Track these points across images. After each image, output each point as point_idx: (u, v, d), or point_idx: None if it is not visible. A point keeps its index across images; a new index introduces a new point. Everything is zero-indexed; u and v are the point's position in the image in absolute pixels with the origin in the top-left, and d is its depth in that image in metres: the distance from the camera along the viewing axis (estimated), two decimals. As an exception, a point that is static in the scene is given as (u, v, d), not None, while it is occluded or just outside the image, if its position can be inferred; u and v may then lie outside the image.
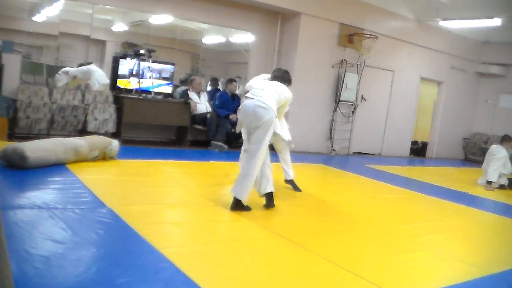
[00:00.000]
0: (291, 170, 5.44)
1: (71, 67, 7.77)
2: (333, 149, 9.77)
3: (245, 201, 4.14)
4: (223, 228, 3.83)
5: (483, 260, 3.73)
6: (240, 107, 4.43)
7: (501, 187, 7.62)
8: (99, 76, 7.93)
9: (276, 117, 4.28)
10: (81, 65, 7.87)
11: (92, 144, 5.42)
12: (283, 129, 5.17)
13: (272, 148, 5.00)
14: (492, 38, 11.69)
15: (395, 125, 11.01)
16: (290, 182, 5.45)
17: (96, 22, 7.79)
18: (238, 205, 4.13)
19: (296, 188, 5.39)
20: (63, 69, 7.65)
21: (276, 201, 4.45)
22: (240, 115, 4.41)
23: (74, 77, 7.83)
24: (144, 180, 4.94)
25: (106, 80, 8.03)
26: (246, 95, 4.46)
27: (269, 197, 4.38)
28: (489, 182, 7.49)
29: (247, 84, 4.77)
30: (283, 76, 4.77)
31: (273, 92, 4.36)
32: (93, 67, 7.88)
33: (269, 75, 4.84)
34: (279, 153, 5.39)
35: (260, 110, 4.16)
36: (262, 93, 4.29)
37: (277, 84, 4.54)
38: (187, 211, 4.19)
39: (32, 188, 4.11)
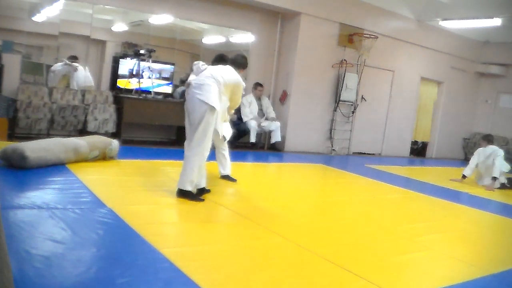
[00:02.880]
0: (229, 165, 5.43)
1: (61, 61, 7.67)
2: (333, 149, 9.78)
3: (190, 190, 4.33)
4: (223, 228, 3.83)
5: (483, 260, 3.73)
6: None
7: (502, 186, 7.63)
8: (79, 77, 7.69)
9: (215, 110, 4.28)
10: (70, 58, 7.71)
11: (92, 144, 5.42)
12: (219, 125, 5.14)
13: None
14: (492, 38, 11.69)
15: (395, 125, 11.01)
16: (225, 177, 5.43)
17: (96, 22, 7.78)
18: (182, 193, 4.33)
19: (232, 179, 5.39)
20: (51, 68, 7.62)
21: (275, 201, 4.45)
22: (185, 106, 4.50)
23: (63, 75, 7.79)
24: (144, 180, 4.94)
25: (89, 82, 7.78)
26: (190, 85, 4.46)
27: (201, 192, 4.53)
28: (494, 178, 7.53)
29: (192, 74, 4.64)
30: (235, 60, 4.77)
31: (213, 85, 4.35)
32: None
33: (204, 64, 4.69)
34: (216, 148, 5.32)
35: (197, 105, 4.27)
36: (203, 87, 4.31)
37: (218, 70, 4.49)
38: (187, 211, 4.18)
39: (32, 188, 4.11)
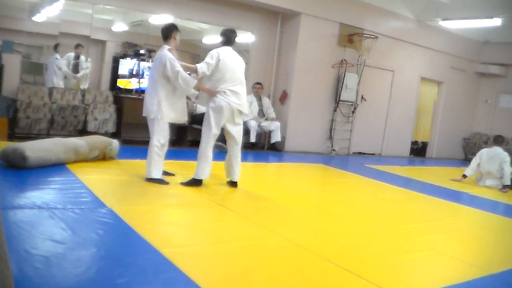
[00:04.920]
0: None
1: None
2: (333, 149, 9.77)
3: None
4: (223, 228, 3.83)
5: (483, 260, 3.73)
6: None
7: (504, 187, 7.59)
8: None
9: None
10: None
11: (92, 144, 5.42)
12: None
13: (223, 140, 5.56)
14: (492, 38, 11.69)
15: (395, 125, 11.01)
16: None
17: (96, 22, 7.78)
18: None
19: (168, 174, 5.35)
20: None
21: (275, 202, 4.45)
22: (222, 111, 4.86)
23: None
24: (144, 180, 4.94)
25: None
26: (228, 92, 4.78)
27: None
28: (506, 186, 7.51)
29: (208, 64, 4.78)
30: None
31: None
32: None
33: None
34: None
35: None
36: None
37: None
38: (187, 211, 4.19)
39: (32, 188, 4.11)
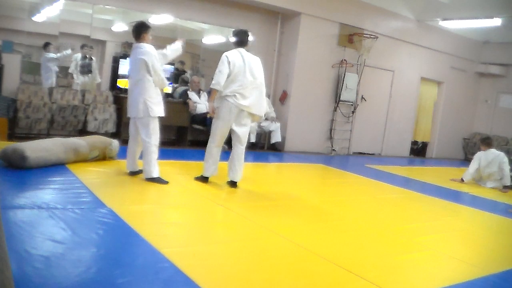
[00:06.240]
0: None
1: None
2: (333, 149, 9.77)
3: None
4: (223, 228, 3.83)
5: (483, 260, 3.73)
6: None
7: (505, 187, 7.59)
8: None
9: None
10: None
11: (92, 144, 5.42)
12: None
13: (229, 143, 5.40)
14: (492, 38, 11.69)
15: (395, 125, 11.01)
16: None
17: (96, 22, 7.79)
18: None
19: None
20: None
21: (275, 202, 4.46)
22: (231, 112, 4.91)
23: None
24: (144, 180, 4.93)
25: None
26: (238, 96, 4.80)
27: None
28: (506, 187, 7.50)
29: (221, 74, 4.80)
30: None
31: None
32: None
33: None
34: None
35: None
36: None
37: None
38: (187, 211, 4.19)
39: (32, 188, 4.11)
